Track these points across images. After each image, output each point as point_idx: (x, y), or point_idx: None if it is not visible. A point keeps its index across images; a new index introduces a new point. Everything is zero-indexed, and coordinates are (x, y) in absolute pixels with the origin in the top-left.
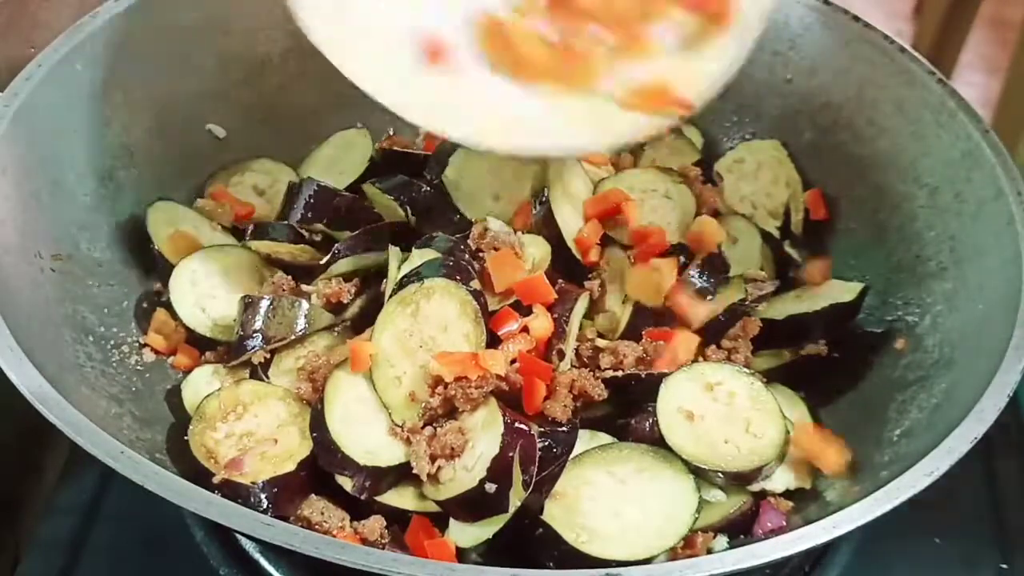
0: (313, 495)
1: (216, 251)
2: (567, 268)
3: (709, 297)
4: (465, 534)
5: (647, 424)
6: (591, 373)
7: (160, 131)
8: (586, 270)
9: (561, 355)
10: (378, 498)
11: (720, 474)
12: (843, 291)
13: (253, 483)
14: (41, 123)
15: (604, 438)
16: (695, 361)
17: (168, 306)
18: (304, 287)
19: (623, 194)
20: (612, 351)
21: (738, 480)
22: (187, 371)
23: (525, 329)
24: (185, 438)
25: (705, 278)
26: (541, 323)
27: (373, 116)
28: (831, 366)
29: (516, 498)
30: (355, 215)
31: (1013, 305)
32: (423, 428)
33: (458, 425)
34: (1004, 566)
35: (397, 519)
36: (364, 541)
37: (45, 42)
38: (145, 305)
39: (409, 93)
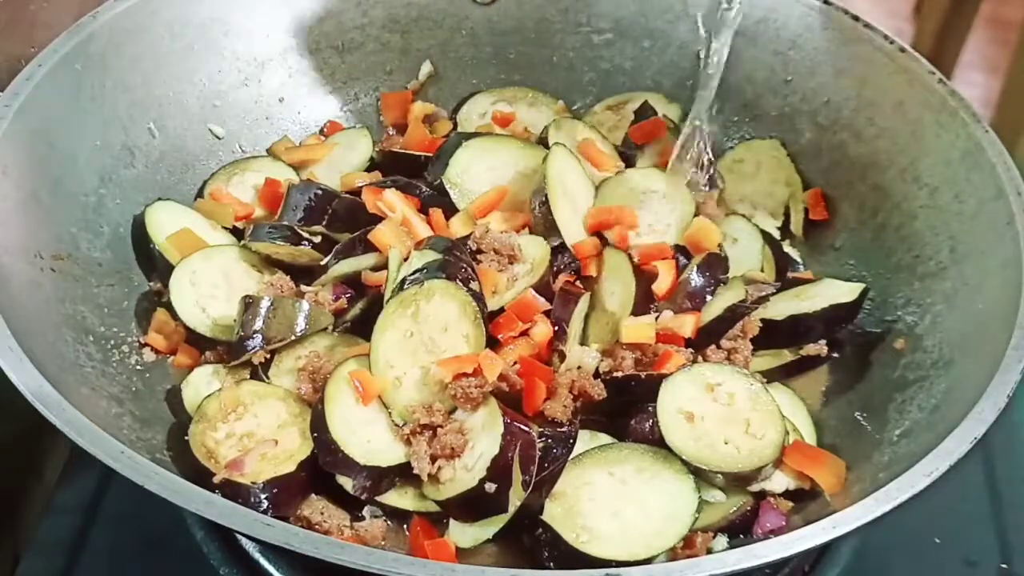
0: (313, 495)
1: (216, 251)
2: (567, 267)
3: (709, 297)
4: (465, 534)
5: (647, 425)
6: (591, 373)
7: (160, 131)
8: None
9: (563, 356)
10: (378, 498)
11: (720, 474)
12: (843, 291)
13: (253, 483)
14: (41, 123)
15: (604, 438)
16: (695, 362)
17: (168, 306)
18: (303, 287)
19: (629, 212)
20: (610, 354)
21: (738, 480)
22: (187, 371)
23: (525, 333)
24: (185, 438)
25: (704, 279)
26: (540, 329)
27: (374, 116)
28: (831, 366)
29: (516, 498)
30: (354, 217)
31: (1013, 305)
32: (423, 428)
33: (458, 425)
34: (1004, 566)
35: (397, 519)
36: (364, 542)
37: (46, 42)
38: (145, 305)
39: None
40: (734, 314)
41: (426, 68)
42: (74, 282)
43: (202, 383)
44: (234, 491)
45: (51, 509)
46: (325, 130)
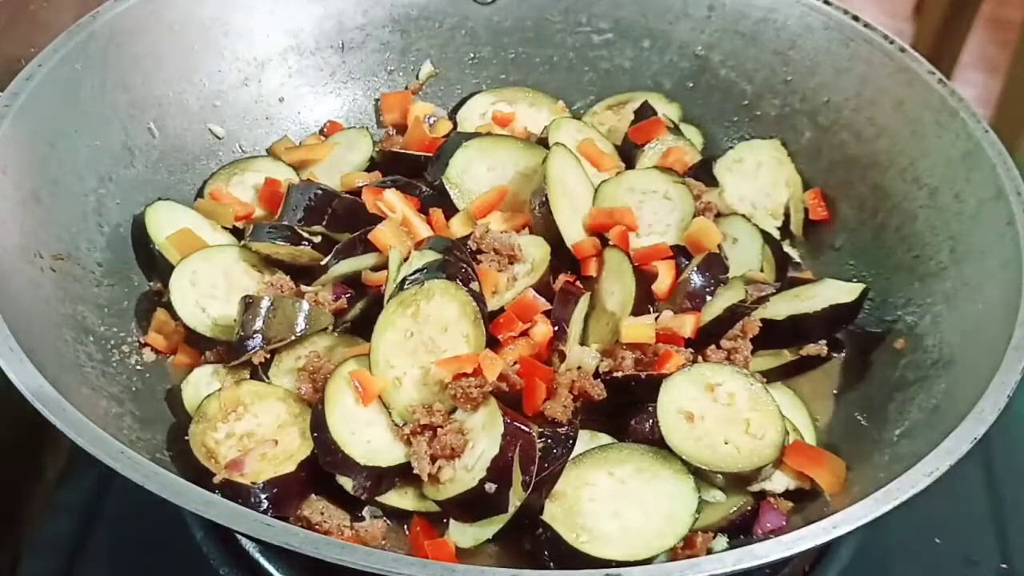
0: (313, 495)
1: (216, 251)
2: (567, 266)
3: (709, 297)
4: (465, 534)
5: (647, 425)
6: (591, 373)
7: (160, 131)
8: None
9: (563, 356)
10: (378, 498)
11: (720, 474)
12: (843, 292)
13: (253, 483)
14: (41, 123)
15: (604, 438)
16: (695, 362)
17: (168, 306)
18: (303, 287)
19: (629, 212)
20: (610, 354)
21: (738, 481)
22: (187, 371)
23: (525, 333)
24: (185, 438)
25: (704, 279)
26: (540, 329)
27: (374, 116)
28: (831, 366)
29: (516, 498)
30: (354, 217)
31: (1013, 305)
32: (423, 428)
33: (458, 425)
34: (1004, 566)
35: (397, 519)
36: (364, 542)
37: (46, 42)
38: (145, 305)
39: None
40: (734, 314)
41: (426, 68)
42: (74, 282)
43: (202, 383)
44: (234, 491)
45: (51, 509)
46: (325, 130)
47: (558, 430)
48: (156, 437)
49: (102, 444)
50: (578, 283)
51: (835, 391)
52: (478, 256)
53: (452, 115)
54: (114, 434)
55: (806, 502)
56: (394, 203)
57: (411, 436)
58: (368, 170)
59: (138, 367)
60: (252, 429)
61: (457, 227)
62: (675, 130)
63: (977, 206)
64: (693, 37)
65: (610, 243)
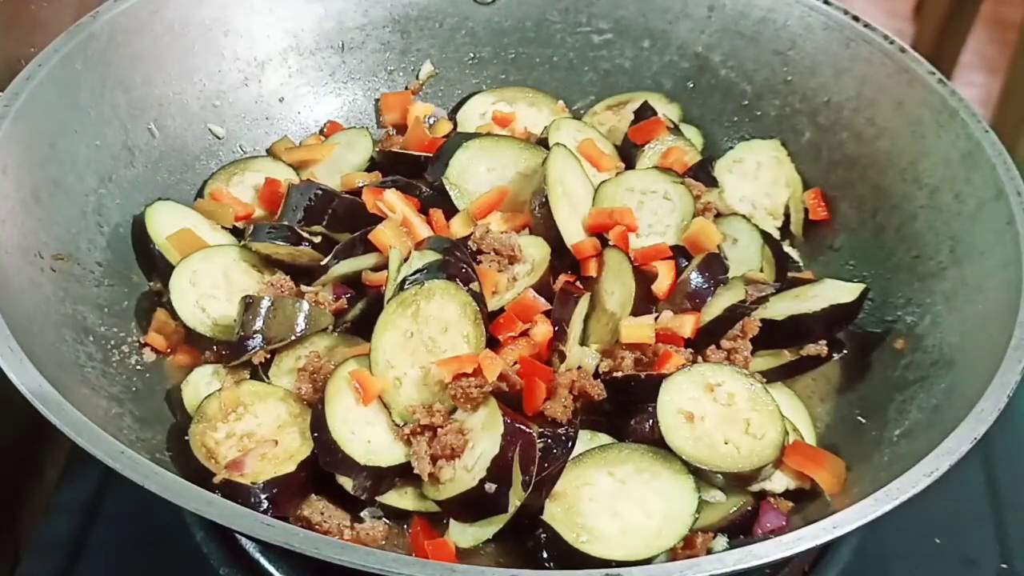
0: (313, 495)
1: (216, 251)
2: (567, 266)
3: (709, 298)
4: (465, 534)
5: (647, 425)
6: (591, 373)
7: (160, 131)
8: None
9: (562, 356)
10: (379, 498)
11: (720, 474)
12: (843, 292)
13: (253, 483)
14: (41, 123)
15: (604, 438)
16: (695, 362)
17: (168, 306)
18: (303, 287)
19: (629, 213)
20: (610, 354)
21: (738, 480)
22: (187, 371)
23: (526, 333)
24: (185, 438)
25: (704, 279)
26: (540, 329)
27: (374, 116)
28: (831, 366)
29: (516, 498)
30: (354, 217)
31: (1013, 305)
32: (423, 428)
33: (458, 425)
34: (1004, 566)
35: (397, 520)
36: (364, 542)
37: (46, 42)
38: (145, 305)
39: None
40: (734, 314)
41: (426, 68)
42: (74, 282)
43: (202, 383)
44: (234, 491)
45: (51, 509)
46: (325, 130)
47: (558, 430)
48: (156, 437)
49: (102, 444)
50: (578, 283)
51: (835, 391)
52: (478, 256)
53: (452, 115)
54: (114, 434)
55: (806, 502)
56: (394, 203)
57: (411, 436)
58: (368, 170)
59: (138, 367)
60: (252, 429)
61: (457, 227)
62: (675, 130)
63: (977, 206)
64: (693, 37)
65: (610, 243)
